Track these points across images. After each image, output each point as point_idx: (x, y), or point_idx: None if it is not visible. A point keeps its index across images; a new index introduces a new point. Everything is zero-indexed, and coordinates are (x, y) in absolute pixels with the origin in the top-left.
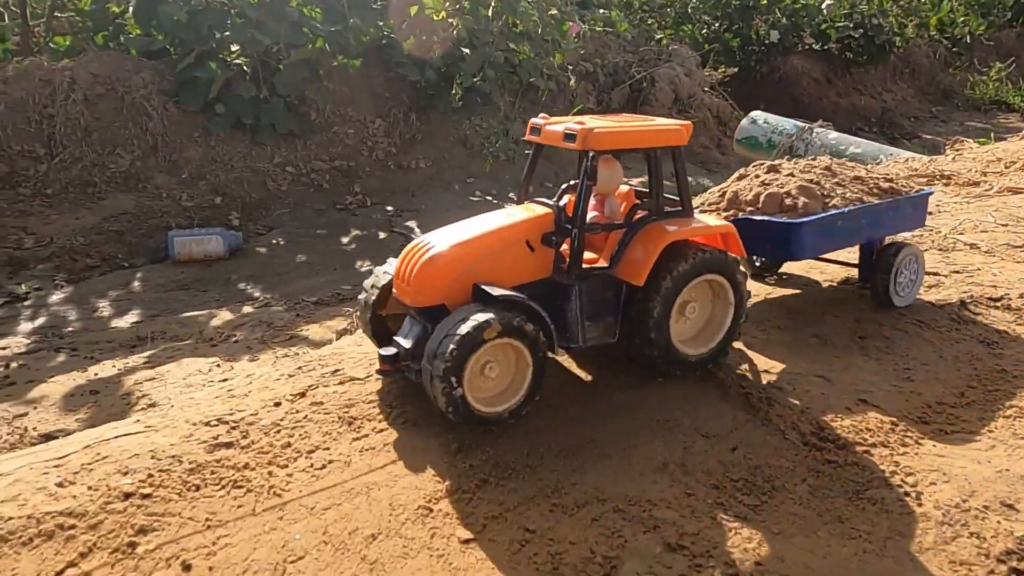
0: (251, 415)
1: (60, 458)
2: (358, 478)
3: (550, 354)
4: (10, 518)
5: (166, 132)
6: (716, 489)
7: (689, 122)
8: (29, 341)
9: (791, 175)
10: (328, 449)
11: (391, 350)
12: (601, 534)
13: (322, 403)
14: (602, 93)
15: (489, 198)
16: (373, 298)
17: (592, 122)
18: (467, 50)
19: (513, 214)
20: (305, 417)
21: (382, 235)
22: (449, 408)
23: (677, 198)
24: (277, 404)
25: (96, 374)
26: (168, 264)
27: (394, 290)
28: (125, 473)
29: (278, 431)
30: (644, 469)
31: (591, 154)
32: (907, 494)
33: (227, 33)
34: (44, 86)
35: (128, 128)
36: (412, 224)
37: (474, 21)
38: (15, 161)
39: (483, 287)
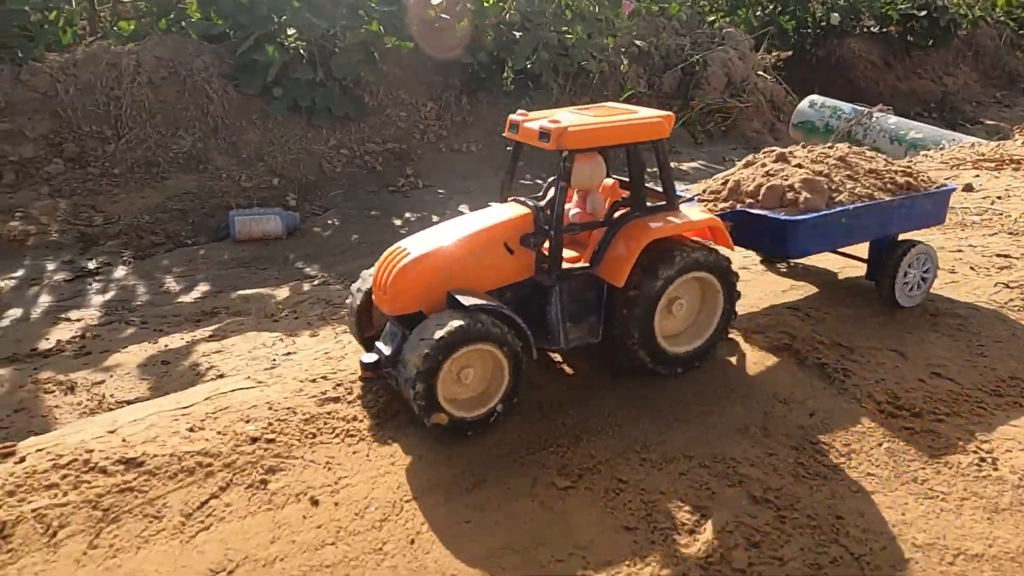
0: (351, 374)
1: (185, 408)
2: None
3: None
4: (155, 455)
5: (226, 115)
6: (796, 450)
7: (671, 113)
8: (101, 313)
9: (799, 166)
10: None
11: (372, 357)
12: (690, 486)
13: None
14: (653, 76)
15: (539, 181)
16: (358, 303)
17: (568, 118)
18: (519, 33)
19: (490, 215)
20: None
21: (435, 217)
22: (422, 413)
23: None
24: None
25: (166, 345)
26: (229, 242)
27: (373, 297)
28: (247, 421)
29: (377, 389)
30: (726, 431)
31: (564, 154)
32: (983, 460)
33: (284, 17)
34: (111, 69)
35: (190, 110)
36: (464, 208)
37: (527, 3)
38: (84, 142)
39: (455, 295)
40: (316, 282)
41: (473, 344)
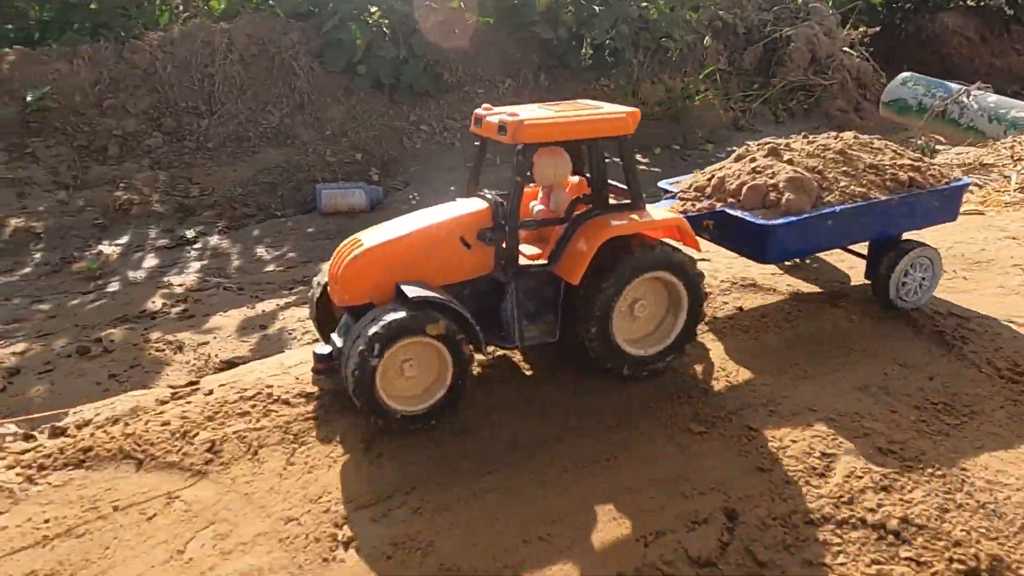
0: None
1: None
2: (592, 381)
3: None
4: (326, 392)
5: (312, 91)
6: (917, 409)
7: (636, 109)
8: (200, 279)
9: (790, 162)
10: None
11: (326, 349)
12: (816, 436)
13: None
14: (734, 53)
15: (617, 160)
16: (317, 295)
17: (528, 112)
18: (599, 7)
19: (449, 210)
20: None
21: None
22: (363, 407)
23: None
24: None
25: (263, 311)
26: (315, 215)
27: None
28: None
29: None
30: (848, 388)
31: (519, 147)
32: None
33: None
34: (205, 47)
35: (278, 86)
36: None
37: None
38: (181, 117)
39: (402, 287)
40: None
41: (413, 337)
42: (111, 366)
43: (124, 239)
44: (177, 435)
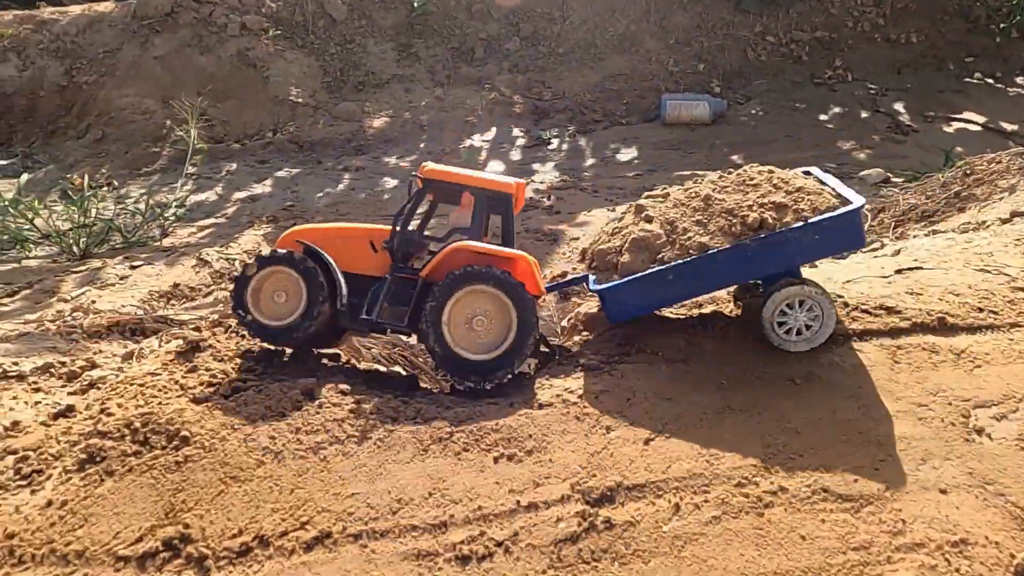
0: None
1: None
2: None
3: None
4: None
5: None
6: None
7: (521, 182)
8: (558, 178)
9: (648, 219)
10: None
11: None
12: None
13: None
14: None
15: (990, 81)
16: None
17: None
18: None
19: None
20: None
21: (864, 114)
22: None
23: None
24: None
25: (621, 215)
26: (658, 124)
27: None
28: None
29: None
30: None
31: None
32: None
33: None
34: None
35: None
36: (899, 106)
37: None
38: (536, 22)
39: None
40: None
41: (274, 266)
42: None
43: (490, 135)
44: None
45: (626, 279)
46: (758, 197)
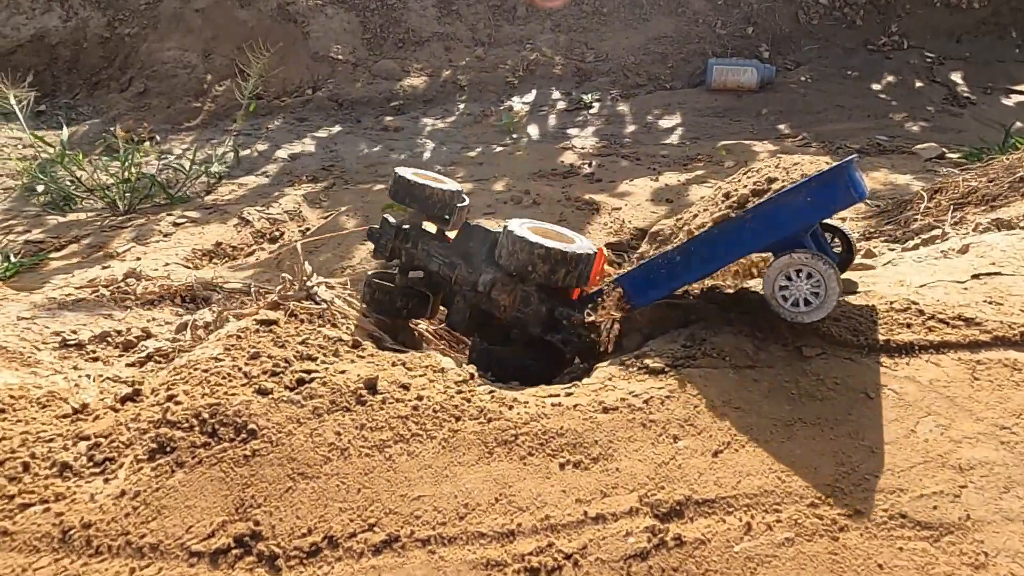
0: None
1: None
2: None
3: None
4: None
5: None
6: None
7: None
8: (599, 143)
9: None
10: None
11: None
12: None
13: None
14: None
15: None
16: None
17: None
18: None
19: None
20: None
21: (919, 84)
22: None
23: None
24: None
25: (665, 184)
26: (702, 90)
27: None
28: None
29: None
30: None
31: None
32: None
33: None
34: None
35: None
36: (956, 77)
37: None
38: None
39: None
40: (796, 142)
41: None
42: (542, 216)
43: (530, 97)
44: None
45: (638, 265)
46: (758, 178)
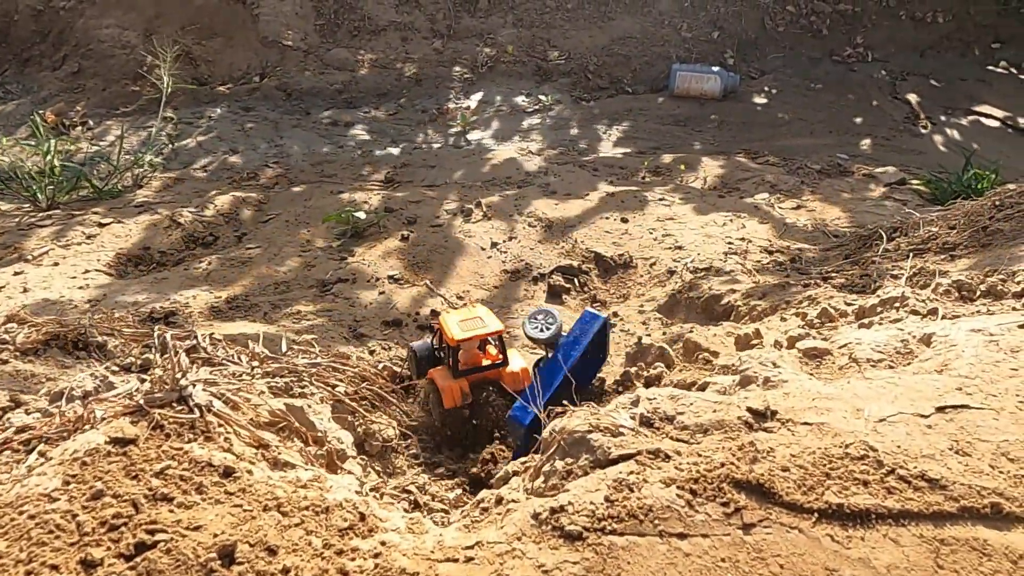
0: None
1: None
2: None
3: None
4: None
5: None
6: None
7: None
8: (556, 151)
9: None
10: None
11: None
12: None
13: None
14: None
15: (1014, 71)
16: None
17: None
18: None
19: None
20: None
21: (882, 100)
22: None
23: None
24: None
25: (621, 201)
26: (666, 96)
27: None
28: None
29: None
30: None
31: None
32: None
33: None
34: None
35: None
36: (918, 95)
37: None
38: None
39: None
40: (757, 160)
41: None
42: (493, 233)
43: (488, 95)
44: None
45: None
46: None
